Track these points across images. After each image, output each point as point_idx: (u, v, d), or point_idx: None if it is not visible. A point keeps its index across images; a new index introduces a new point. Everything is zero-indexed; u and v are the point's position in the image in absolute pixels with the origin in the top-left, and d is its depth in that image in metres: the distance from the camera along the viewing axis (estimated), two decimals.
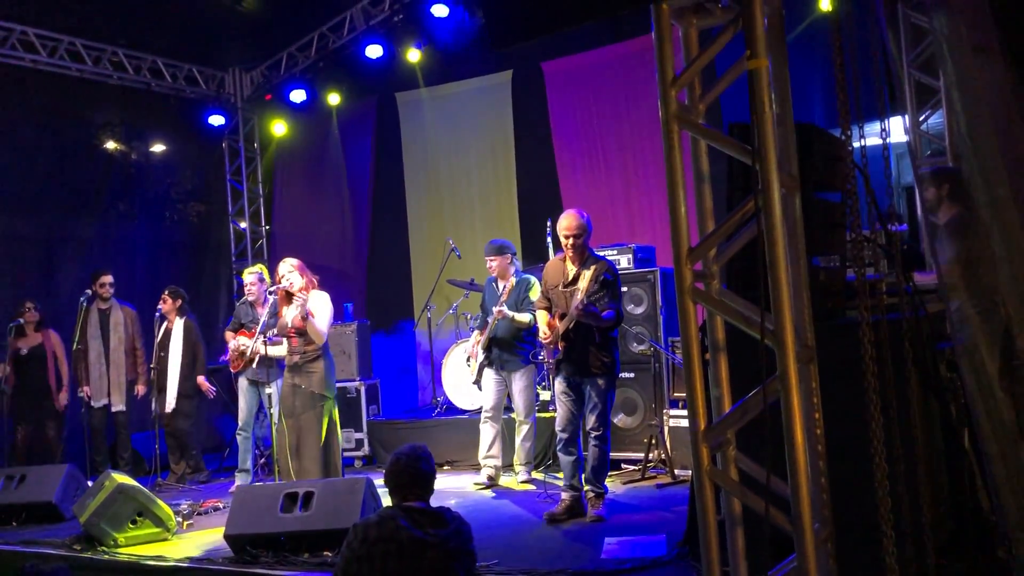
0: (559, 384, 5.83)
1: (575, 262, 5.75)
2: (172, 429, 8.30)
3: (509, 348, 6.90)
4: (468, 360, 7.43)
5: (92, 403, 8.29)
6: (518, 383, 6.91)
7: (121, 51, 9.91)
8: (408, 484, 3.62)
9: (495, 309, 6.77)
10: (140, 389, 8.54)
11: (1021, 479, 2.85)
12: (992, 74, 2.48)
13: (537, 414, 7.31)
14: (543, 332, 5.86)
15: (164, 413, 8.18)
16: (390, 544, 3.40)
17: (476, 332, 7.25)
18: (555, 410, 6.01)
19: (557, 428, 5.93)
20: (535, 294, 6.51)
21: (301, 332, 6.15)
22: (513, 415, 7.10)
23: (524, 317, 6.75)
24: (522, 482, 7.01)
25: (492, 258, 6.96)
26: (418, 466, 3.64)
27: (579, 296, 5.48)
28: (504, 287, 6.78)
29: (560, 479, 6.15)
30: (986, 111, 2.54)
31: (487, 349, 6.95)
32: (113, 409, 8.40)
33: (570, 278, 5.74)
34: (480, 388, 7.15)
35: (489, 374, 7.00)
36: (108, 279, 8.41)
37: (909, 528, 2.93)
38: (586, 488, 5.83)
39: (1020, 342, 2.56)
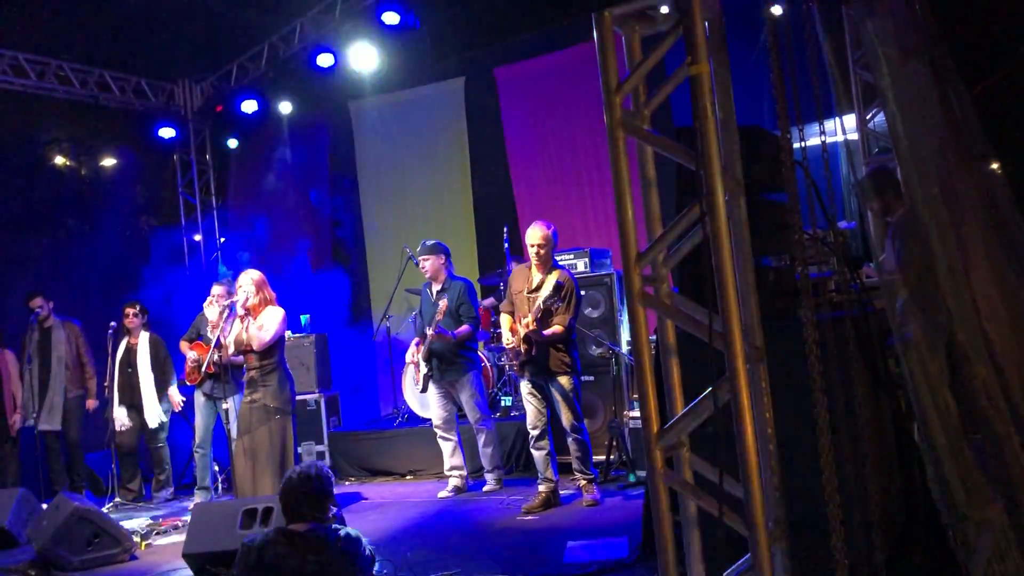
0: (524, 386, 6.29)
1: (540, 269, 6.24)
2: (128, 447, 8.14)
3: (448, 358, 6.84)
4: (408, 366, 7.39)
5: (22, 425, 8.08)
6: (464, 393, 6.88)
7: (66, 65, 9.73)
8: (296, 505, 3.58)
9: (429, 332, 6.73)
10: (91, 403, 8.38)
11: (969, 472, 2.90)
12: (921, 75, 2.53)
13: (498, 418, 7.34)
14: (507, 338, 6.30)
15: (140, 428, 8.09)
16: (269, 572, 3.40)
17: (416, 338, 7.20)
18: (516, 416, 6.27)
19: (528, 427, 6.34)
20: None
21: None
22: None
23: (462, 331, 6.74)
24: (488, 491, 6.94)
25: (425, 258, 6.90)
26: (309, 486, 3.59)
27: (537, 303, 6.00)
28: (439, 306, 6.68)
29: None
30: (919, 110, 2.59)
31: (427, 361, 6.88)
32: (42, 428, 8.08)
33: (534, 285, 6.23)
34: (426, 394, 7.06)
35: (432, 388, 6.94)
36: (37, 301, 8.23)
37: (860, 523, 2.97)
38: (577, 476, 6.29)
39: (960, 336, 2.61)
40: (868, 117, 6.92)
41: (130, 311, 8.18)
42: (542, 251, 6.15)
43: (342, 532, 3.57)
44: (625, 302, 7.24)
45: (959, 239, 2.54)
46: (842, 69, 5.99)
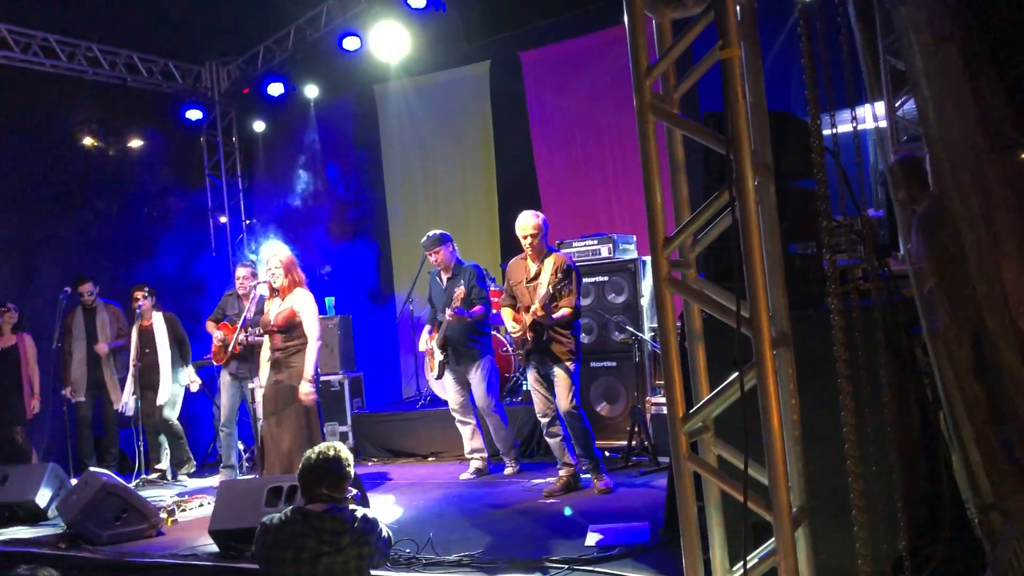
0: (531, 374, 6.33)
1: (535, 259, 6.29)
2: (158, 423, 8.23)
3: (463, 342, 6.91)
4: (425, 357, 7.43)
5: (73, 401, 8.29)
6: (474, 377, 6.92)
7: (96, 46, 9.81)
8: (315, 483, 3.61)
9: (446, 315, 6.79)
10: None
11: (996, 462, 2.89)
12: (953, 62, 2.51)
13: (520, 402, 7.38)
14: (511, 327, 6.37)
15: (156, 408, 8.11)
16: (286, 551, 3.45)
17: (428, 326, 7.25)
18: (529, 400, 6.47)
19: (538, 415, 6.37)
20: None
21: (283, 329, 6.12)
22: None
23: (476, 311, 6.81)
24: (509, 474, 7.00)
25: (435, 251, 6.96)
26: (327, 466, 3.62)
27: (542, 290, 6.04)
28: (456, 292, 6.72)
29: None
30: (951, 98, 2.57)
31: (443, 348, 6.96)
32: (115, 407, 8.37)
33: (532, 274, 6.28)
34: (441, 381, 7.13)
35: (448, 373, 7.02)
36: (87, 287, 8.44)
37: (883, 510, 2.97)
38: (583, 463, 6.23)
39: (990, 324, 2.60)
40: (897, 104, 6.85)
41: (139, 294, 8.21)
42: (535, 240, 6.19)
43: (359, 513, 3.61)
44: (648, 288, 7.27)
45: (990, 228, 2.52)
46: (872, 55, 5.93)
